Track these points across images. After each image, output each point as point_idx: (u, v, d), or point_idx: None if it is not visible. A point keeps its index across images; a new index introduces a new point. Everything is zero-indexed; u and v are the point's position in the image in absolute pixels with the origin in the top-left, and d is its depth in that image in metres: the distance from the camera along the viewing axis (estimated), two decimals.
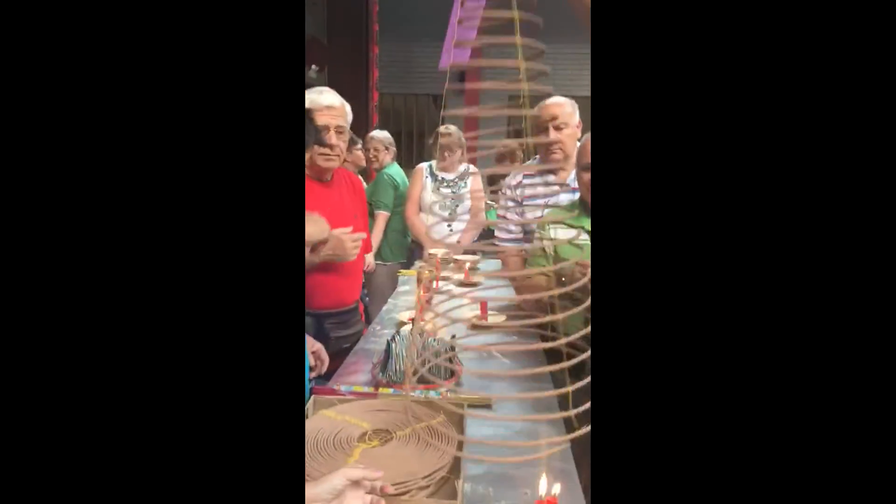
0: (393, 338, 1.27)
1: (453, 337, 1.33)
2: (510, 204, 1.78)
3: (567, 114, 1.71)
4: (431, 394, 1.17)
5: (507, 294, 1.94)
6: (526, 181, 1.77)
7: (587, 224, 1.46)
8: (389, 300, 2.05)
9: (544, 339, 1.62)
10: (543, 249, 1.47)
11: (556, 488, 0.71)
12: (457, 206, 2.54)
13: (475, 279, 2.17)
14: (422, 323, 1.54)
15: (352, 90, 3.34)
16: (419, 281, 1.88)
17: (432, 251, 2.43)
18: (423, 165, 2.62)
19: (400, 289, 2.20)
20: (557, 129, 1.68)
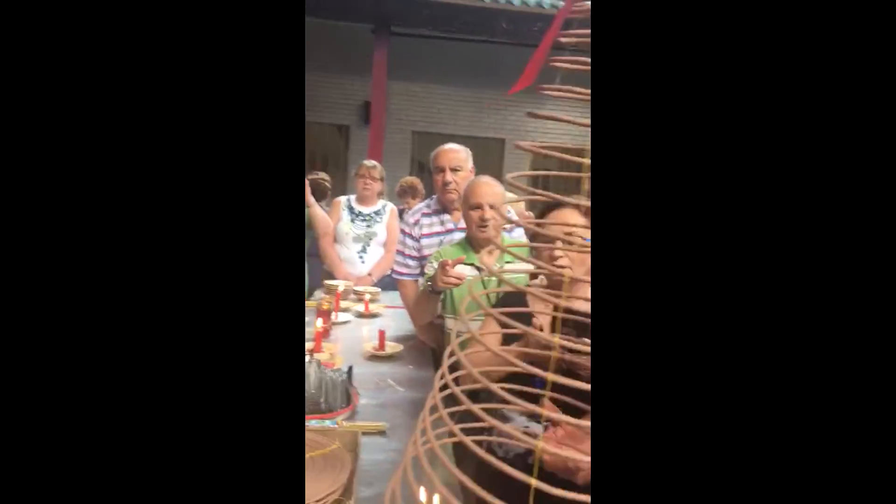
0: None
1: (350, 368, 1.39)
2: (408, 241, 1.88)
3: (462, 159, 1.86)
4: (328, 423, 1.21)
5: (406, 325, 2.02)
6: (424, 220, 1.89)
7: (475, 260, 1.60)
8: None
9: (436, 363, 1.73)
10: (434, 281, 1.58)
11: (436, 499, 0.79)
12: (370, 238, 2.61)
13: (375, 310, 2.23)
14: (319, 354, 1.57)
15: None
16: (319, 312, 1.90)
17: (331, 282, 2.46)
18: (342, 199, 2.68)
19: None
20: (453, 171, 1.82)
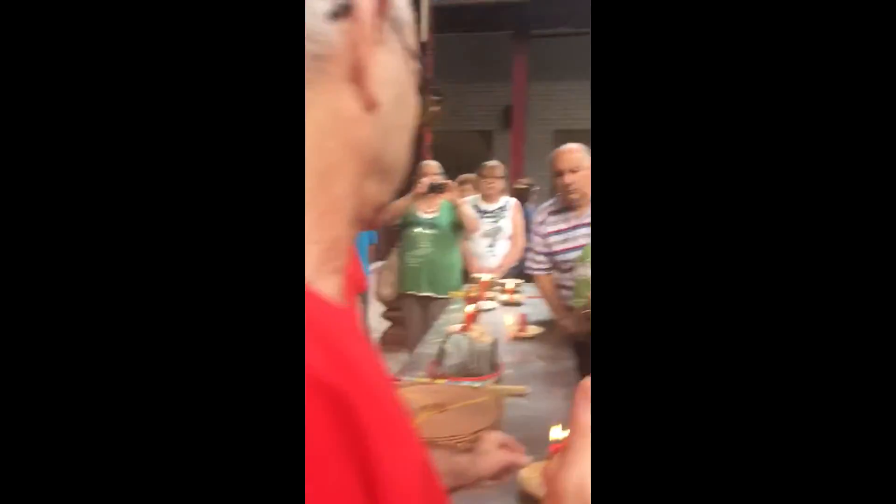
0: (444, 341, 1.57)
1: (496, 340, 1.61)
2: (536, 238, 2.06)
3: (578, 158, 1.98)
4: (476, 384, 1.45)
5: (545, 311, 2.20)
6: (549, 218, 2.05)
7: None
8: (441, 316, 2.35)
9: (576, 346, 1.88)
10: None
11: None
12: (497, 233, 2.84)
13: (517, 299, 2.44)
14: (469, 332, 1.83)
15: None
16: (467, 299, 2.17)
17: (477, 274, 2.72)
18: (468, 199, 2.95)
19: (451, 306, 2.50)
20: (573, 171, 1.95)
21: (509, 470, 0.83)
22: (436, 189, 2.60)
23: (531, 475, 1.04)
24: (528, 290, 2.59)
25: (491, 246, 2.87)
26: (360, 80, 0.32)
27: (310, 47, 0.32)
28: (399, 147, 0.38)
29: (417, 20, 0.42)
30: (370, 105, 0.33)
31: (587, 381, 0.37)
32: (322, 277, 0.35)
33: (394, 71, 0.35)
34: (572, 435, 0.37)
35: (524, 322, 1.99)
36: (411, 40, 0.38)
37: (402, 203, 2.74)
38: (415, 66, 0.39)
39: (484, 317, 2.24)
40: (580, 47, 6.15)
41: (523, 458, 0.84)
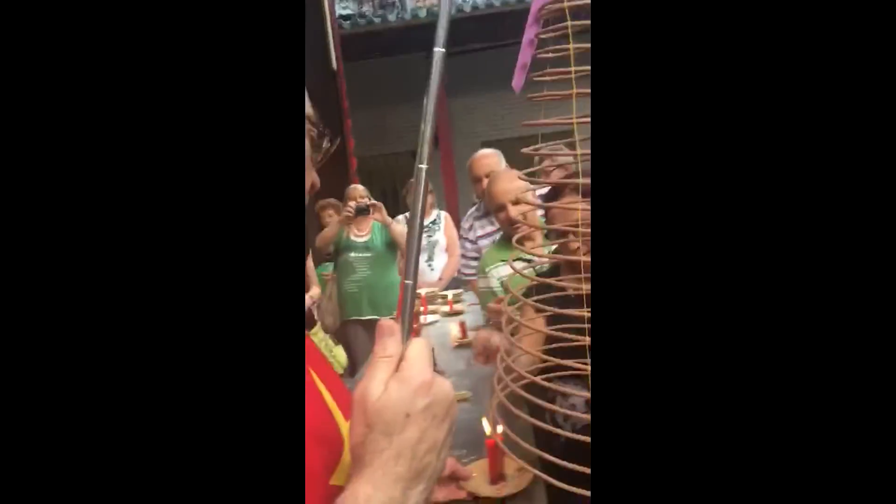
0: None
1: (432, 350, 1.63)
2: (467, 244, 2.11)
3: (493, 163, 2.05)
4: None
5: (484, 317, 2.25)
6: (476, 223, 2.11)
7: (521, 254, 1.78)
8: None
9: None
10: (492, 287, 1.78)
11: (499, 428, 1.00)
12: (433, 247, 2.88)
13: (458, 308, 2.48)
14: None
15: (331, 162, 3.72)
16: None
17: (418, 290, 2.74)
18: (400, 217, 2.97)
19: None
20: (488, 176, 2.01)
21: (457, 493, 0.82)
22: (362, 212, 2.62)
23: (477, 476, 1.06)
24: (469, 298, 2.64)
25: (429, 260, 2.90)
26: None
27: None
28: None
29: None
30: None
31: (385, 322, 0.45)
32: None
33: None
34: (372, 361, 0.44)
35: (464, 329, 2.02)
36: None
37: (329, 231, 2.73)
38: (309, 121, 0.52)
39: (429, 330, 2.26)
40: (493, 61, 6.36)
41: (466, 472, 0.83)
